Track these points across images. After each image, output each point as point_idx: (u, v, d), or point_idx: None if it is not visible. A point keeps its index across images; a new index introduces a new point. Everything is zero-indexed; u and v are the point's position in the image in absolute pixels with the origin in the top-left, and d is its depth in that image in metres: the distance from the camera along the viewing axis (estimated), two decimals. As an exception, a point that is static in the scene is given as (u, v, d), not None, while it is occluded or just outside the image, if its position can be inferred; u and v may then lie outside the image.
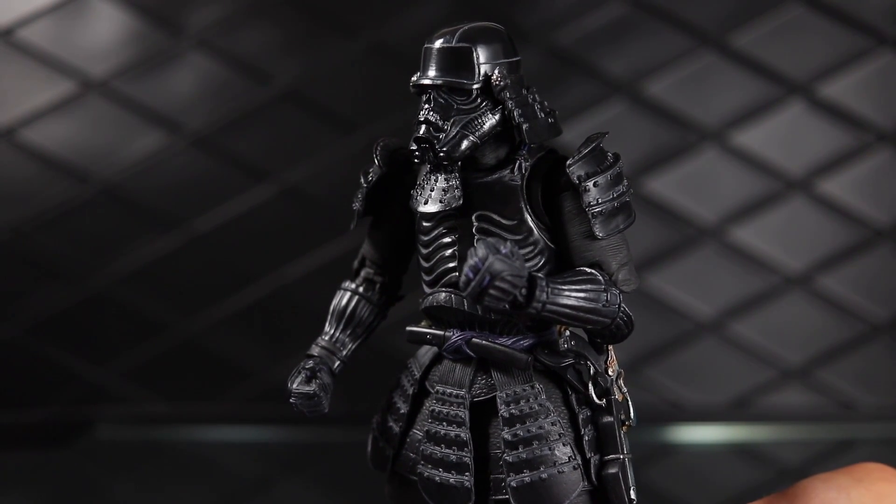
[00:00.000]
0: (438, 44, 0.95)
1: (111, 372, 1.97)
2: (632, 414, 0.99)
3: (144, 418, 1.96)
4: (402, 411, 1.02)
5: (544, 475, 0.94)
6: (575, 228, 0.95)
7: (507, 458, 0.95)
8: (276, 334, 1.98)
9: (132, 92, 1.92)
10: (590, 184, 0.93)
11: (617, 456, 0.96)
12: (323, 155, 1.94)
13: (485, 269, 0.85)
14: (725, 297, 1.98)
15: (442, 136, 0.94)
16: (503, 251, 0.86)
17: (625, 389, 0.99)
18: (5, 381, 1.96)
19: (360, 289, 1.05)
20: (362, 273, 1.06)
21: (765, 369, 1.99)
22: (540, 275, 0.91)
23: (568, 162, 0.94)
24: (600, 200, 0.93)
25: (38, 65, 1.91)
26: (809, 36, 1.93)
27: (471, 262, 0.85)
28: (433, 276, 0.99)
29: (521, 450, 0.95)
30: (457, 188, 0.96)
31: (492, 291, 0.86)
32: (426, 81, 0.96)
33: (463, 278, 0.86)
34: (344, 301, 1.05)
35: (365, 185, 1.01)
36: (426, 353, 1.03)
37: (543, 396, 0.96)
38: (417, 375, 1.02)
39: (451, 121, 0.94)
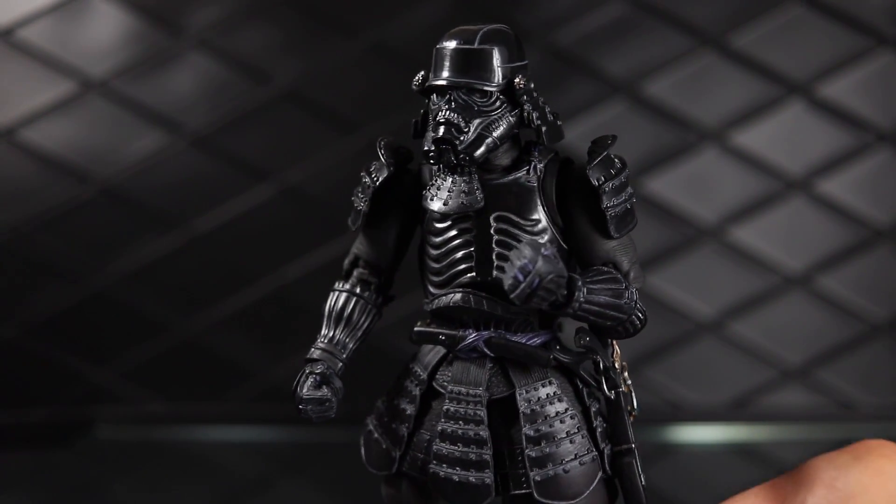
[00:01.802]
0: (460, 45, 0.97)
1: (111, 372, 1.97)
2: (635, 404, 1.03)
3: (144, 418, 1.96)
4: (409, 413, 1.02)
5: (567, 468, 0.97)
6: (589, 228, 0.98)
7: (531, 453, 0.97)
8: (276, 334, 1.98)
9: (132, 92, 1.93)
10: (607, 186, 0.96)
11: (629, 445, 1.01)
12: (323, 155, 1.94)
13: (535, 271, 0.87)
14: (725, 297, 1.98)
15: (463, 137, 0.94)
16: (546, 253, 0.87)
17: (629, 381, 1.03)
18: (5, 381, 1.96)
19: (357, 289, 1.04)
20: (355, 274, 1.05)
21: (765, 369, 1.99)
22: (576, 275, 0.93)
23: (591, 168, 0.97)
24: (615, 202, 0.96)
25: (38, 65, 1.91)
26: (809, 36, 1.93)
27: (519, 263, 0.87)
28: (445, 276, 0.99)
29: (543, 444, 0.97)
30: (477, 189, 0.97)
31: (540, 293, 0.88)
32: (443, 82, 0.96)
33: (511, 280, 0.88)
34: (340, 302, 1.04)
35: (371, 186, 1.01)
36: (430, 354, 1.03)
37: (560, 391, 0.99)
38: (424, 376, 1.02)
39: (472, 122, 0.95)
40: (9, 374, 1.96)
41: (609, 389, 1.00)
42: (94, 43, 1.92)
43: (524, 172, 0.98)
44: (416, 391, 1.02)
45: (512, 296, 0.89)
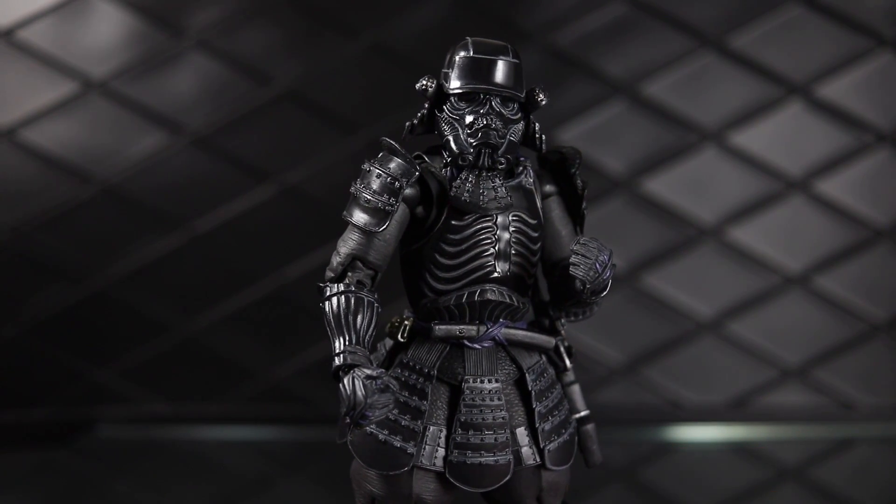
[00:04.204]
0: (503, 57, 1.03)
1: (112, 372, 1.98)
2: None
3: (145, 418, 1.97)
4: (423, 408, 1.03)
5: (566, 437, 1.07)
6: (564, 228, 1.08)
7: (545, 426, 1.05)
8: (276, 334, 1.98)
9: (133, 92, 1.93)
10: (586, 192, 1.07)
11: (587, 412, 1.12)
12: (323, 155, 1.94)
13: (609, 263, 1.00)
14: (725, 297, 1.99)
15: (502, 141, 1.02)
16: (607, 249, 1.01)
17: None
18: (6, 381, 1.96)
19: (365, 290, 1.02)
20: (351, 275, 1.03)
21: (764, 369, 2.00)
22: None
23: (575, 171, 1.07)
24: (585, 206, 1.08)
25: (39, 65, 1.91)
26: (809, 36, 1.94)
27: (601, 258, 0.99)
28: (459, 271, 1.03)
29: (550, 419, 1.06)
30: (507, 190, 1.03)
31: (607, 281, 1.01)
32: (484, 86, 1.02)
33: (591, 272, 0.99)
34: (352, 303, 1.01)
35: (401, 188, 1.02)
36: (427, 347, 1.05)
37: (550, 370, 1.09)
38: (434, 373, 1.04)
39: (507, 128, 1.03)
40: (10, 373, 1.96)
41: (570, 364, 1.12)
42: (94, 43, 1.92)
43: (523, 176, 1.06)
44: (428, 387, 1.04)
45: (589, 285, 1.00)
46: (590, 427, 1.11)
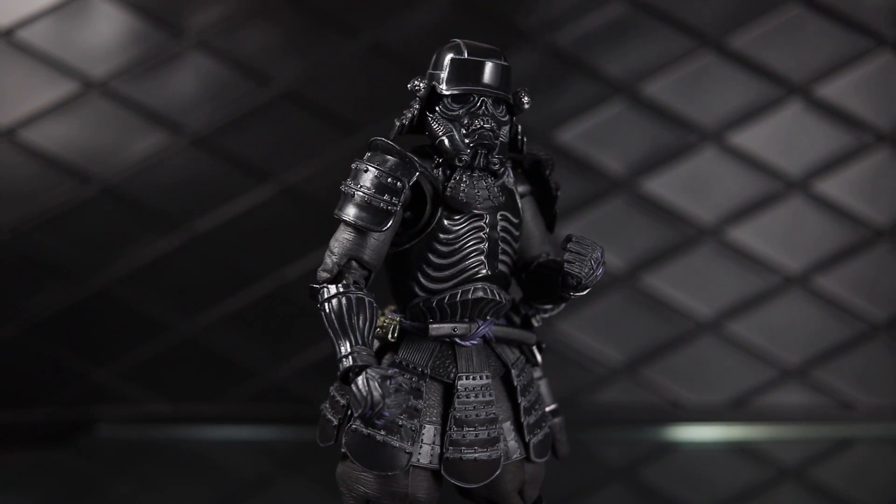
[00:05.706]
0: (496, 60, 1.04)
1: (112, 372, 1.98)
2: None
3: (145, 418, 1.97)
4: (420, 407, 1.04)
5: (546, 430, 1.10)
6: (536, 227, 1.12)
7: (530, 420, 1.08)
8: (276, 334, 1.98)
9: (133, 92, 1.93)
10: (559, 193, 1.12)
11: (556, 406, 1.15)
12: (323, 155, 1.95)
13: (602, 260, 1.03)
14: (724, 297, 1.99)
15: (497, 142, 1.04)
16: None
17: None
18: (6, 381, 1.96)
19: (364, 290, 1.02)
20: (348, 275, 1.02)
21: (763, 369, 2.00)
22: None
23: (549, 173, 1.11)
24: (556, 205, 1.13)
25: (39, 65, 1.91)
26: (808, 36, 1.94)
27: (595, 255, 1.02)
28: (451, 270, 1.04)
29: (533, 412, 1.09)
30: (498, 189, 1.05)
31: (599, 277, 1.04)
32: (480, 88, 1.03)
33: (586, 269, 1.02)
34: (353, 303, 1.00)
35: (404, 188, 1.02)
36: (420, 349, 1.06)
37: (529, 366, 1.12)
38: (427, 371, 1.05)
39: (500, 130, 1.05)
40: (10, 373, 1.96)
41: (540, 360, 1.14)
42: (94, 43, 1.92)
43: (506, 176, 1.07)
44: (420, 384, 1.05)
45: (585, 281, 1.03)
46: (558, 420, 1.14)
